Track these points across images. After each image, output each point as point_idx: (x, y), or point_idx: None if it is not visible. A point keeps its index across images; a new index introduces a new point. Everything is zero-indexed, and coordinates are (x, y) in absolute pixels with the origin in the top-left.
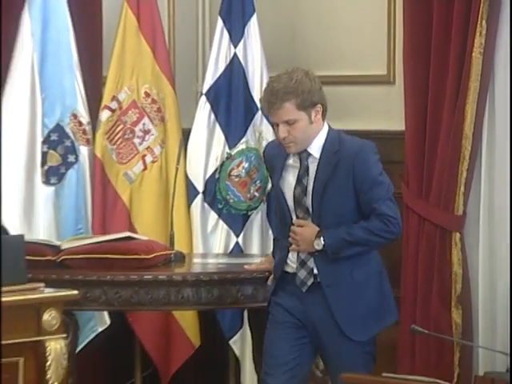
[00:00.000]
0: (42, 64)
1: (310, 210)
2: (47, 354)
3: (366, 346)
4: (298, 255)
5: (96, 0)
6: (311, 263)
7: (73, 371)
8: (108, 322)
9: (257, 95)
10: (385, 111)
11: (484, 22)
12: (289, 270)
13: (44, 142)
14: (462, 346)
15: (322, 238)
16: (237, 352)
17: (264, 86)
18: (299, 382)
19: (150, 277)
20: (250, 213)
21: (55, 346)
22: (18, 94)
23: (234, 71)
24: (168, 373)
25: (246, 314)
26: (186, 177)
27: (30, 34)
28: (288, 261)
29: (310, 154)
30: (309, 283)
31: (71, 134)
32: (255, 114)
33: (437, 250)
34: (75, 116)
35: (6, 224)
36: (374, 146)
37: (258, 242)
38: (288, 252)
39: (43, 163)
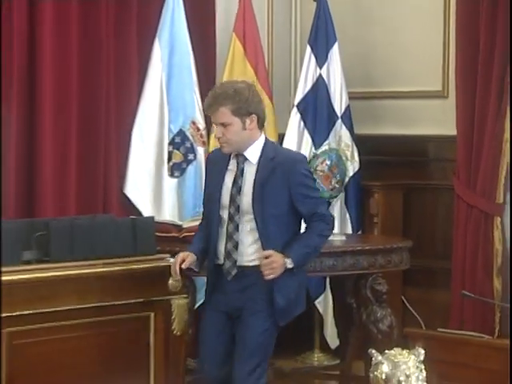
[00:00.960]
0: (168, 82)
1: (242, 207)
2: (172, 309)
3: (268, 329)
4: (225, 248)
5: (211, 31)
6: (236, 255)
7: (192, 324)
8: None
9: (337, 107)
10: (440, 119)
11: None
12: (217, 262)
13: (170, 144)
14: (501, 307)
15: (290, 259)
16: (320, 310)
17: (344, 99)
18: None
19: None
20: (331, 200)
21: (178, 304)
22: (149, 106)
23: (319, 88)
24: None
25: (328, 280)
26: None
27: (159, 59)
28: (218, 254)
29: (246, 159)
30: (233, 273)
31: (191, 137)
32: (335, 122)
33: (481, 231)
34: (194, 123)
35: (140, 208)
36: (305, 156)
37: (337, 223)
38: (217, 248)
39: (169, 160)
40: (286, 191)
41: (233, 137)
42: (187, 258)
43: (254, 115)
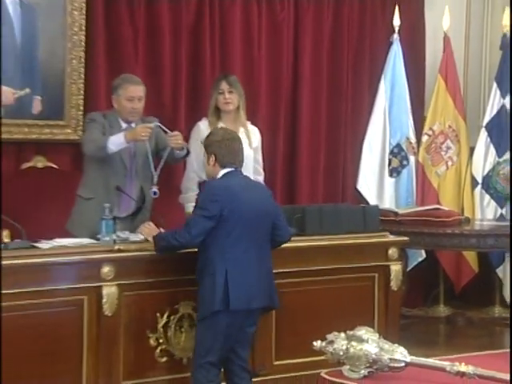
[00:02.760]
0: (390, 108)
1: None
2: (391, 272)
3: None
4: None
5: (421, 72)
6: None
7: (405, 282)
8: (424, 255)
9: None
10: None
11: None
12: None
13: (390, 153)
14: None
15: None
16: (500, 276)
17: None
18: None
19: (449, 231)
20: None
21: (395, 268)
22: (376, 125)
23: (502, 113)
24: (459, 286)
25: (506, 254)
26: (472, 174)
27: (384, 91)
28: None
29: None
30: None
31: (405, 149)
32: None
33: None
34: (408, 138)
35: (368, 198)
36: (216, 186)
37: None
38: None
39: (389, 165)
40: None
41: (205, 167)
42: None
43: (212, 155)
